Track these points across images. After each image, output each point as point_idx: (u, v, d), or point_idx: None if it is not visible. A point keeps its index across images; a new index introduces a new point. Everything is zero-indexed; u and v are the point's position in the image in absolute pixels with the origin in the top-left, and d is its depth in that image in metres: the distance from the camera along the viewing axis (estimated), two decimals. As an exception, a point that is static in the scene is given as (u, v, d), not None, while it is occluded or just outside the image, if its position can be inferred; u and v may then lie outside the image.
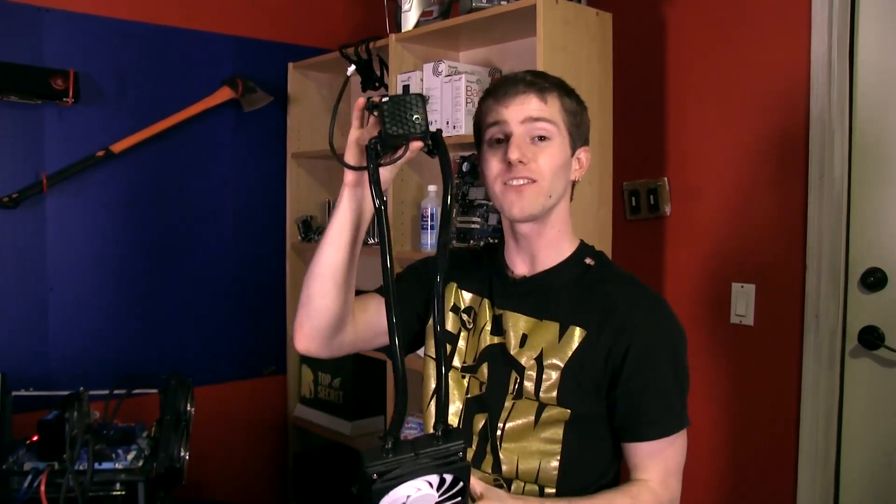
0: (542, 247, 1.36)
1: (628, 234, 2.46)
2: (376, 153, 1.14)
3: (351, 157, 1.23)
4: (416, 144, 1.15)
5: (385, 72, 2.73)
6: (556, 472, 1.29)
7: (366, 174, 1.19)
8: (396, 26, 2.57)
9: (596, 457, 1.33)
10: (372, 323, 1.40)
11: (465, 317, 1.42)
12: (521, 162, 1.27)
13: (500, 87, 1.33)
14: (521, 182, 1.28)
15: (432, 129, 1.14)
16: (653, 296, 1.34)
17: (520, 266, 1.39)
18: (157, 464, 1.85)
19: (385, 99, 1.14)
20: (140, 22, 2.70)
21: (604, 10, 2.27)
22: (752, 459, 2.23)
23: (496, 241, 1.54)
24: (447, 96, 2.39)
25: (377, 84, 2.79)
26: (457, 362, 1.40)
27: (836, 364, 2.08)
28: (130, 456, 1.86)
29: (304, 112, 3.13)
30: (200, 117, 2.81)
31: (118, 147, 2.62)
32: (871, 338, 2.03)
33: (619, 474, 1.39)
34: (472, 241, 2.42)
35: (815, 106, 2.06)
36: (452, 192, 1.11)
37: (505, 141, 1.30)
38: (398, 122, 1.13)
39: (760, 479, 2.22)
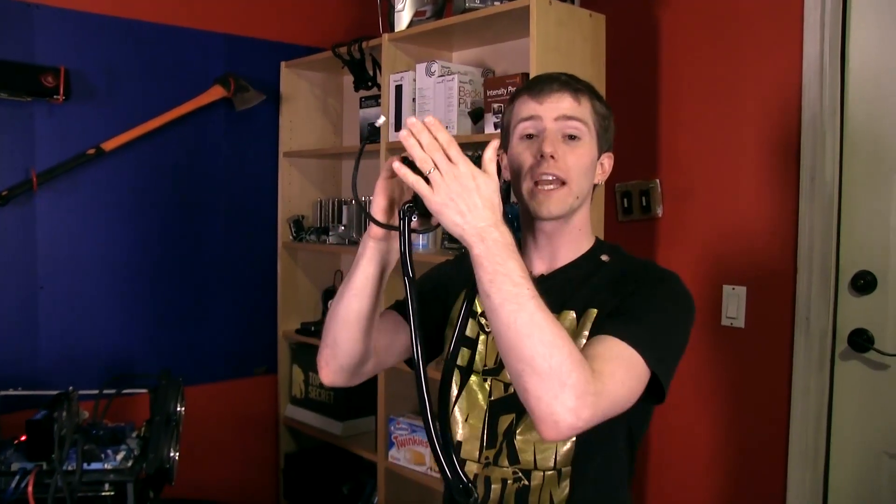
0: (562, 245, 1.37)
1: (620, 235, 2.46)
2: (409, 221, 1.11)
3: (378, 207, 1.21)
4: None
5: (378, 71, 2.73)
6: (571, 453, 1.29)
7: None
8: (390, 26, 2.56)
9: (610, 434, 1.30)
10: (392, 347, 1.41)
11: (482, 320, 1.41)
12: (552, 157, 1.28)
13: (535, 84, 1.35)
14: (551, 183, 1.29)
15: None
16: (665, 270, 1.35)
17: (538, 265, 1.40)
18: (147, 464, 1.85)
19: None
20: (132, 19, 2.69)
21: (597, 11, 2.27)
22: (742, 460, 2.24)
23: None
24: (440, 96, 2.39)
25: (369, 84, 2.79)
26: (478, 366, 1.40)
27: (826, 366, 2.09)
28: (120, 456, 1.85)
29: (297, 111, 3.12)
30: (192, 116, 2.80)
31: (109, 145, 2.61)
32: (860, 340, 2.04)
33: (633, 456, 1.39)
34: (464, 242, 2.42)
35: (807, 109, 2.06)
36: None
37: (537, 136, 1.31)
38: None
39: (751, 480, 2.23)
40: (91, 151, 2.58)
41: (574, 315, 1.31)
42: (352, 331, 1.29)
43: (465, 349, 1.42)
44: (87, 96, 2.60)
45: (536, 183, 1.29)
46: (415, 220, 1.14)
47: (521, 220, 1.42)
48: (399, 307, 1.47)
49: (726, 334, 2.25)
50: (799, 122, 2.09)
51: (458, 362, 1.42)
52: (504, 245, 1.07)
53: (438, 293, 1.49)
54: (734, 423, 2.25)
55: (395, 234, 1.15)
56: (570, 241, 1.37)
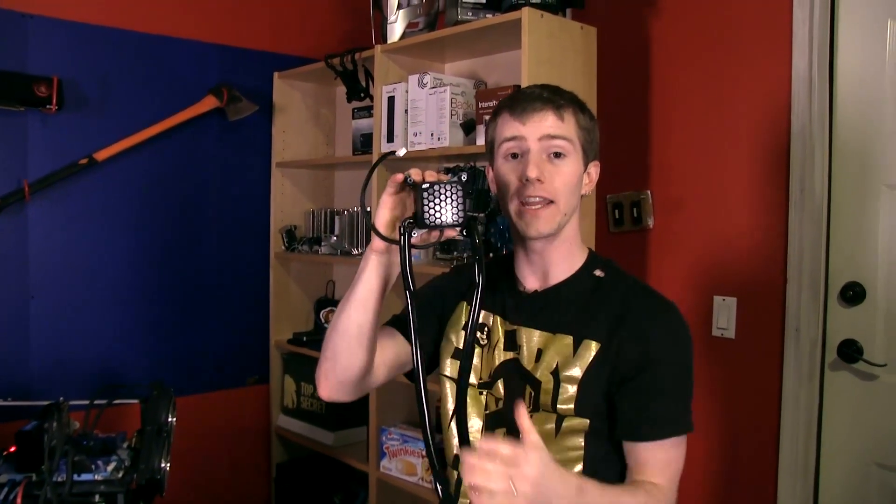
0: (554, 261, 1.37)
1: (611, 246, 2.47)
2: (409, 236, 1.14)
3: (381, 221, 1.23)
4: (452, 231, 1.18)
5: (370, 82, 2.74)
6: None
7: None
8: (382, 37, 2.57)
9: (619, 462, 1.32)
10: (390, 362, 1.42)
11: (478, 334, 1.42)
12: (539, 181, 1.28)
13: (517, 102, 1.33)
14: (538, 203, 1.29)
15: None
16: (664, 302, 1.35)
17: (531, 280, 1.40)
18: (138, 475, 1.83)
19: (425, 185, 1.14)
20: (125, 30, 2.70)
21: (588, 24, 2.29)
22: (733, 470, 2.24)
23: (506, 252, 1.54)
24: (432, 108, 2.40)
25: (362, 95, 2.80)
26: (473, 379, 1.40)
27: (816, 377, 2.10)
28: (110, 467, 1.84)
29: (290, 121, 3.13)
30: (185, 126, 2.81)
31: (102, 155, 2.61)
32: (849, 351, 2.05)
33: None
34: (455, 253, 2.43)
35: (796, 121, 2.08)
36: (483, 283, 1.15)
37: (521, 156, 1.31)
38: (437, 211, 1.14)
39: (742, 490, 2.23)
40: (83, 161, 2.58)
41: (571, 341, 1.31)
42: (353, 343, 1.30)
43: (460, 362, 1.41)
44: (79, 106, 2.60)
45: (523, 203, 1.30)
46: (415, 235, 1.17)
47: (512, 234, 1.42)
48: (395, 322, 1.48)
49: (717, 345, 2.25)
50: (788, 134, 2.10)
51: (452, 374, 1.43)
52: (580, 493, 1.12)
53: (434, 306, 1.49)
54: (725, 434, 2.25)
55: (397, 248, 1.18)
56: (562, 256, 1.37)
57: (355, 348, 1.30)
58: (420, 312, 1.44)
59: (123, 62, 2.70)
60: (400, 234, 1.14)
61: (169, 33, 2.80)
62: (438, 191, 1.14)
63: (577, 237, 1.39)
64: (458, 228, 1.16)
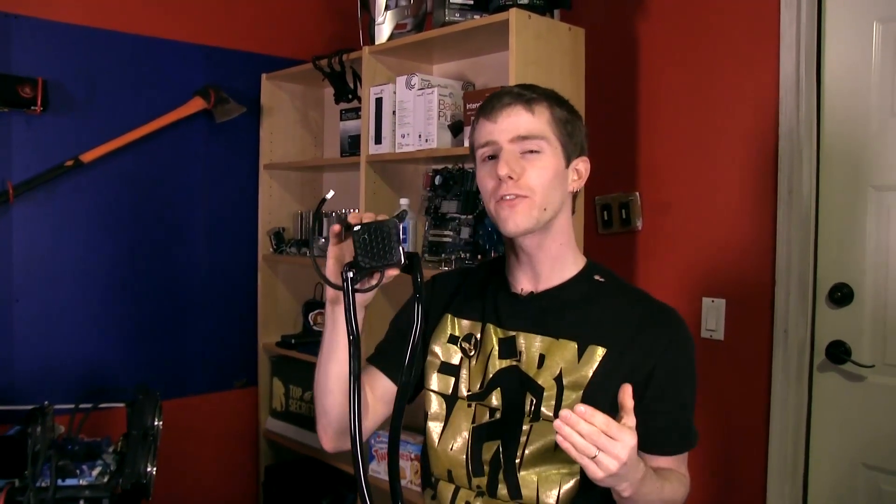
0: (545, 260, 1.34)
1: (600, 248, 2.47)
2: (351, 281, 1.12)
3: (329, 270, 1.21)
4: (392, 272, 1.15)
5: (358, 84, 2.73)
6: (574, 491, 1.28)
7: None
8: (370, 39, 2.56)
9: None
10: (386, 396, 1.42)
11: (465, 345, 1.39)
12: (510, 177, 1.26)
13: (488, 103, 1.32)
14: (512, 197, 1.27)
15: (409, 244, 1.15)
16: (670, 312, 1.34)
17: (523, 282, 1.37)
18: (123, 479, 1.82)
19: (357, 228, 1.12)
20: (111, 31, 2.68)
21: (576, 25, 2.28)
22: (721, 471, 2.24)
23: (496, 255, 1.53)
24: (420, 109, 2.39)
25: (350, 96, 2.79)
26: (462, 391, 1.37)
27: (805, 378, 2.10)
28: (95, 472, 1.83)
29: (277, 123, 3.11)
30: (172, 127, 2.79)
31: (88, 157, 2.58)
32: (838, 352, 2.05)
33: None
34: (443, 255, 2.42)
35: (784, 123, 2.09)
36: (420, 325, 1.15)
37: (496, 158, 1.29)
38: (373, 253, 1.12)
39: (731, 491, 2.23)
40: (69, 163, 2.55)
41: (576, 346, 1.29)
42: (338, 396, 1.29)
43: (448, 376, 1.39)
44: (65, 108, 2.58)
45: (498, 200, 1.28)
46: (359, 280, 1.14)
47: (504, 240, 1.40)
48: (377, 357, 1.46)
49: (706, 346, 2.26)
50: (776, 136, 2.11)
51: (440, 389, 1.40)
52: (642, 480, 1.16)
53: (405, 333, 1.46)
54: (713, 435, 2.25)
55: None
56: (553, 257, 1.34)
57: (340, 399, 1.29)
58: (403, 333, 1.41)
59: (109, 63, 2.68)
60: (343, 280, 1.11)
61: (155, 34, 2.79)
62: (374, 232, 1.12)
63: (568, 238, 1.36)
64: (396, 267, 1.13)
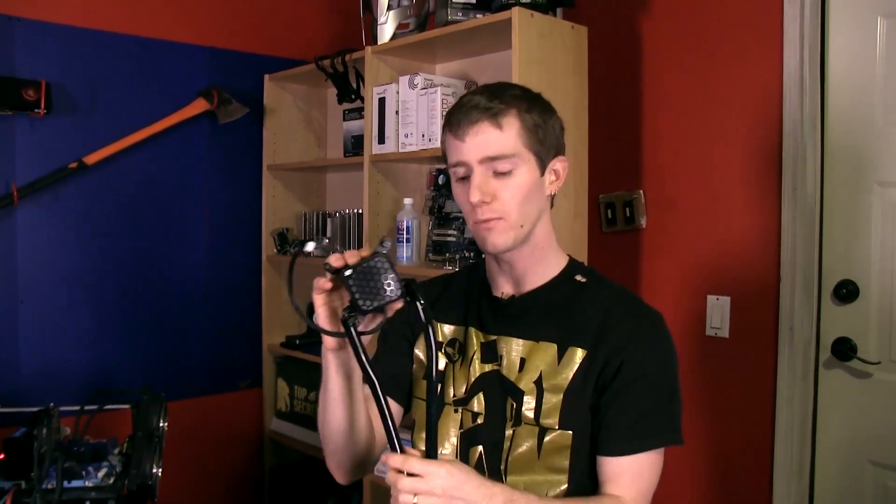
0: (527, 266, 1.33)
1: (604, 246, 2.46)
2: (354, 327, 1.10)
3: (322, 318, 1.19)
4: (396, 305, 1.13)
5: (361, 84, 2.73)
6: (563, 496, 1.26)
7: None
8: (373, 38, 2.56)
9: (596, 479, 1.29)
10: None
11: (449, 350, 1.39)
12: (483, 202, 1.24)
13: (454, 116, 1.27)
14: (489, 221, 1.25)
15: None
16: (649, 313, 1.31)
17: (505, 286, 1.36)
18: (129, 481, 1.82)
19: (348, 272, 1.09)
20: (114, 33, 2.68)
21: (579, 23, 2.28)
22: (728, 469, 2.24)
23: (475, 260, 1.52)
24: (423, 109, 2.39)
25: (353, 96, 2.79)
26: (449, 396, 1.36)
27: (810, 375, 2.10)
28: (101, 473, 1.83)
29: (280, 124, 3.11)
30: (175, 129, 2.79)
31: (91, 159, 2.59)
32: (843, 349, 2.05)
33: None
34: (447, 254, 2.42)
35: (788, 120, 2.08)
36: (435, 356, 1.13)
37: (468, 178, 1.26)
38: (370, 293, 1.09)
39: (736, 489, 2.23)
40: (73, 165, 2.56)
41: (555, 349, 1.28)
42: (345, 436, 1.29)
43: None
44: (68, 110, 2.58)
45: (475, 222, 1.27)
46: (360, 322, 1.13)
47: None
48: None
49: (711, 344, 2.25)
50: (780, 133, 2.10)
51: (423, 396, 1.40)
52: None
53: (405, 335, 1.46)
54: (719, 433, 2.25)
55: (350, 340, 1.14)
56: (536, 261, 1.33)
57: (348, 439, 1.30)
58: (391, 349, 1.45)
59: (112, 65, 2.68)
60: (346, 328, 1.10)
61: (158, 36, 2.79)
62: (365, 270, 1.09)
63: (549, 241, 1.34)
64: (399, 300, 1.12)
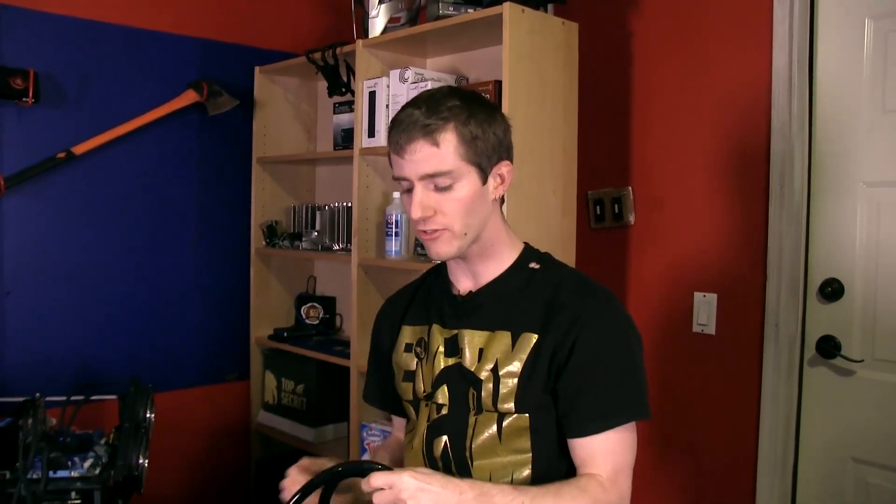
0: (480, 263, 1.38)
1: (592, 242, 2.47)
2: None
3: None
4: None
5: (352, 77, 2.72)
6: (528, 480, 1.29)
7: None
8: (364, 32, 2.56)
9: (565, 458, 1.32)
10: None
11: (417, 349, 1.44)
12: (426, 217, 1.28)
13: (393, 133, 1.30)
14: (431, 231, 1.30)
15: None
16: (600, 291, 1.33)
17: (464, 282, 1.41)
18: (115, 472, 1.82)
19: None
20: (104, 22, 2.67)
21: (570, 20, 2.28)
22: (712, 465, 2.25)
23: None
24: (414, 103, 2.39)
25: (343, 90, 2.78)
26: (419, 394, 1.41)
27: (795, 372, 2.11)
28: (87, 464, 1.83)
29: (270, 117, 3.11)
30: (165, 120, 2.78)
31: (80, 149, 2.58)
32: (828, 347, 2.06)
33: None
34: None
35: (776, 118, 2.09)
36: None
37: (412, 191, 1.30)
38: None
39: (720, 485, 2.25)
40: (61, 155, 2.55)
41: (510, 336, 1.32)
42: None
43: (409, 383, 1.44)
44: (57, 99, 2.57)
45: (421, 233, 1.32)
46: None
47: None
48: (373, 400, 1.59)
49: (697, 341, 2.26)
50: (768, 132, 2.11)
51: (409, 397, 1.45)
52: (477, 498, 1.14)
53: (384, 348, 1.53)
54: (704, 429, 2.26)
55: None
56: (488, 258, 1.37)
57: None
58: (381, 373, 1.54)
59: (102, 55, 2.67)
60: None
61: (148, 26, 2.78)
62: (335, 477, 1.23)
63: (501, 236, 1.38)
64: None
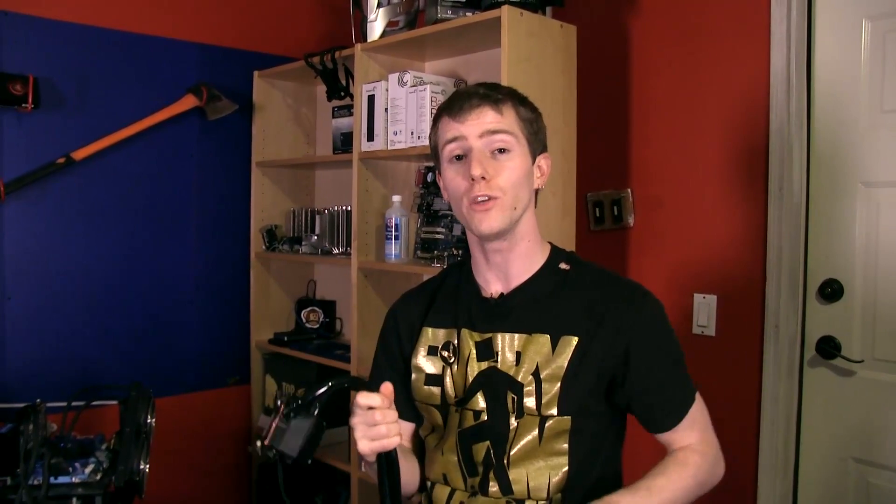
0: (515, 259, 1.36)
1: (592, 244, 2.48)
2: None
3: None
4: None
5: (350, 81, 2.73)
6: (563, 483, 1.30)
7: None
8: (362, 36, 2.56)
9: (600, 458, 1.34)
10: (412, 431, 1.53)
11: (444, 353, 1.41)
12: (483, 178, 1.27)
13: (454, 103, 1.33)
14: (486, 200, 1.28)
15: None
16: (633, 287, 1.37)
17: (494, 283, 1.39)
18: (116, 477, 1.82)
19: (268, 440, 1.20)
20: (103, 28, 2.67)
21: (568, 22, 2.29)
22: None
23: (459, 258, 1.55)
24: (412, 106, 2.39)
25: (342, 94, 2.79)
26: (450, 398, 1.39)
27: (795, 373, 2.11)
28: (88, 469, 1.83)
29: (270, 121, 3.11)
30: (164, 125, 2.78)
31: (79, 154, 2.58)
32: (828, 347, 2.06)
33: (620, 468, 1.43)
34: (435, 252, 2.43)
35: (775, 119, 2.09)
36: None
37: (465, 157, 1.30)
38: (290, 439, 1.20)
39: (721, 485, 2.24)
40: (61, 160, 2.55)
41: (549, 339, 1.31)
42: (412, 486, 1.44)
43: (433, 388, 1.41)
44: (56, 105, 2.57)
45: (472, 203, 1.29)
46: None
47: (468, 241, 1.41)
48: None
49: (697, 342, 2.26)
50: (767, 133, 2.12)
51: (430, 401, 1.42)
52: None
53: (395, 358, 1.50)
54: (705, 431, 2.26)
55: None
56: (522, 254, 1.36)
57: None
58: (382, 370, 1.51)
59: (101, 61, 2.67)
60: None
61: (147, 32, 2.78)
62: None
63: (535, 233, 1.38)
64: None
